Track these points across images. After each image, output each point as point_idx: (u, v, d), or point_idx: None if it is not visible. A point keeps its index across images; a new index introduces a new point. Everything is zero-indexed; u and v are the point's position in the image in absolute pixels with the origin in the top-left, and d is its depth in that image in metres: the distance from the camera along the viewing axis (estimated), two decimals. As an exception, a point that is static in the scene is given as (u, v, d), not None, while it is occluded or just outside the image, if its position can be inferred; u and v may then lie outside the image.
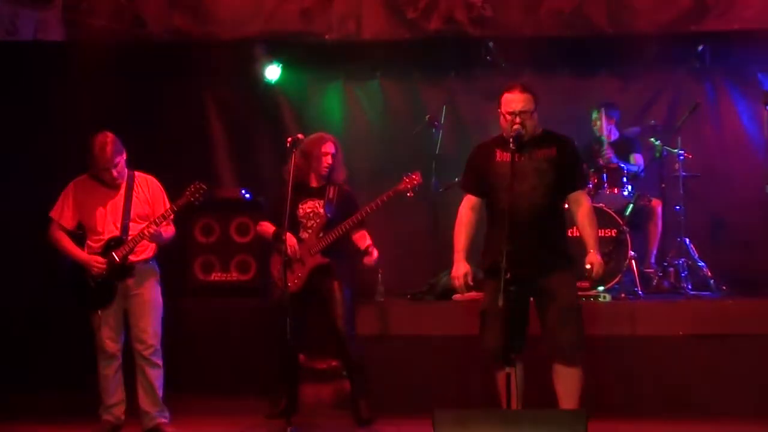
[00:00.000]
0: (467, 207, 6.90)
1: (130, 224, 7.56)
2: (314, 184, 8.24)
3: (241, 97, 10.70)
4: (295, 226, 8.07)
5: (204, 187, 7.61)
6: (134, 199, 7.63)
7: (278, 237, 7.87)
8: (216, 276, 9.82)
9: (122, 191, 7.63)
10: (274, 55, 10.38)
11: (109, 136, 7.51)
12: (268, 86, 10.60)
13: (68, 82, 10.06)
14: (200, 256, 9.84)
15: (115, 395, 7.66)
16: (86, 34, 9.68)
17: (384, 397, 8.17)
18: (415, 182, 8.04)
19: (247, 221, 9.74)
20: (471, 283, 6.82)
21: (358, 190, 8.35)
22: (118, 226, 7.56)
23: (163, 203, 7.70)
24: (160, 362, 7.64)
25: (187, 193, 7.59)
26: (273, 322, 7.97)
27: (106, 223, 7.57)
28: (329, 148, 8.22)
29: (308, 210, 8.14)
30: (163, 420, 7.65)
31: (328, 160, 8.19)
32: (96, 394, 7.72)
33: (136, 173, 7.73)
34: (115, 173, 7.52)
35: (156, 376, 7.61)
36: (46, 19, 9.62)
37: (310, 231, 8.10)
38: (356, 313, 8.34)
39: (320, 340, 8.54)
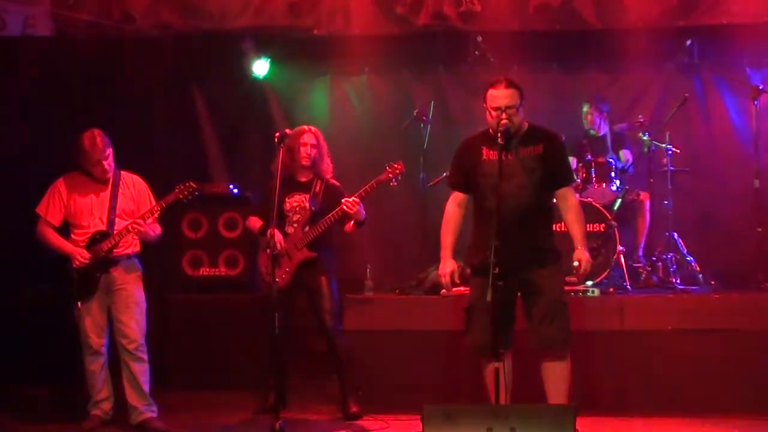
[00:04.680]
0: (454, 204, 6.90)
1: (116, 220, 7.57)
2: (302, 178, 8.25)
3: (229, 92, 10.65)
4: (282, 221, 8.07)
5: (194, 185, 7.62)
6: (120, 195, 7.66)
7: (264, 232, 7.88)
8: (204, 271, 9.82)
9: (109, 187, 7.66)
10: (262, 50, 10.36)
11: (96, 131, 7.56)
12: (256, 81, 10.57)
13: (57, 77, 10.04)
14: (188, 251, 9.83)
15: (102, 391, 7.67)
16: (75, 29, 9.69)
17: (372, 392, 8.17)
18: (398, 171, 8.03)
19: (236, 216, 9.76)
20: (457, 281, 6.83)
21: (346, 185, 8.34)
22: (104, 220, 7.58)
23: (148, 201, 7.73)
24: (144, 357, 7.65)
25: (177, 190, 7.61)
26: (261, 317, 7.96)
27: (92, 218, 7.60)
28: (309, 138, 8.22)
29: (294, 204, 8.15)
30: (152, 414, 7.66)
31: (307, 150, 8.19)
32: (85, 390, 7.74)
33: (122, 172, 7.76)
34: (106, 165, 7.57)
35: (141, 370, 7.62)
36: (34, 15, 9.64)
37: (295, 225, 8.11)
38: (344, 308, 8.35)
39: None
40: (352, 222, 8.11)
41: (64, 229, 7.68)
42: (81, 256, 7.50)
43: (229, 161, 10.71)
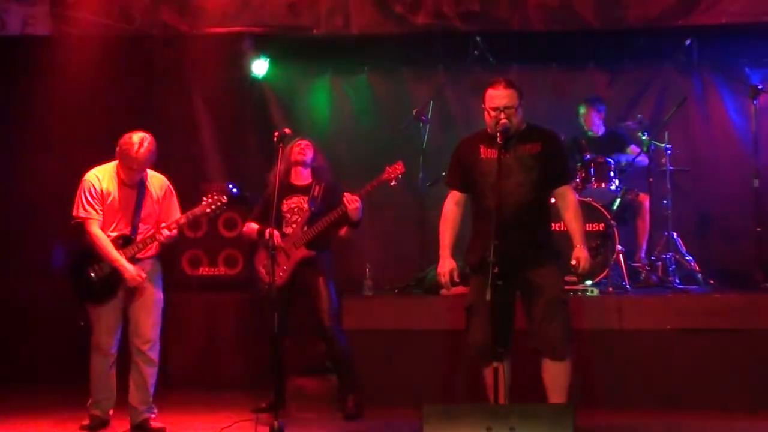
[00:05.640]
0: (452, 203, 6.90)
1: (140, 224, 7.48)
2: (300, 182, 8.24)
3: (229, 91, 10.64)
4: (279, 222, 8.05)
5: (224, 200, 7.54)
6: (146, 198, 7.49)
7: (262, 233, 7.89)
8: (204, 270, 9.83)
9: (135, 189, 7.50)
10: (261, 50, 10.37)
11: (149, 146, 7.37)
12: (256, 81, 10.58)
13: (56, 76, 10.04)
14: (188, 250, 9.84)
15: (105, 390, 7.61)
16: (74, 28, 9.69)
17: (372, 392, 8.17)
18: (398, 171, 8.04)
19: (235, 216, 9.75)
20: (457, 280, 6.82)
21: (345, 185, 8.32)
22: (128, 223, 7.46)
23: (173, 208, 7.60)
24: (156, 359, 7.54)
25: (204, 203, 7.51)
26: (260, 316, 7.97)
27: (117, 218, 7.45)
28: (301, 141, 8.26)
29: (293, 205, 8.14)
30: (151, 415, 7.63)
31: (300, 147, 8.22)
32: (84, 389, 7.72)
33: (148, 171, 7.58)
34: (135, 175, 7.40)
35: (150, 373, 7.54)
36: (34, 14, 9.64)
37: (294, 225, 8.10)
38: (344, 308, 8.35)
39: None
40: (347, 225, 8.11)
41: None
42: (140, 277, 7.41)
43: (228, 161, 10.71)
